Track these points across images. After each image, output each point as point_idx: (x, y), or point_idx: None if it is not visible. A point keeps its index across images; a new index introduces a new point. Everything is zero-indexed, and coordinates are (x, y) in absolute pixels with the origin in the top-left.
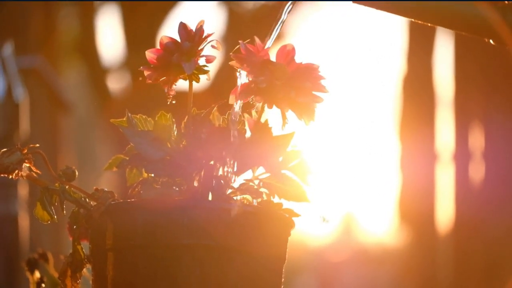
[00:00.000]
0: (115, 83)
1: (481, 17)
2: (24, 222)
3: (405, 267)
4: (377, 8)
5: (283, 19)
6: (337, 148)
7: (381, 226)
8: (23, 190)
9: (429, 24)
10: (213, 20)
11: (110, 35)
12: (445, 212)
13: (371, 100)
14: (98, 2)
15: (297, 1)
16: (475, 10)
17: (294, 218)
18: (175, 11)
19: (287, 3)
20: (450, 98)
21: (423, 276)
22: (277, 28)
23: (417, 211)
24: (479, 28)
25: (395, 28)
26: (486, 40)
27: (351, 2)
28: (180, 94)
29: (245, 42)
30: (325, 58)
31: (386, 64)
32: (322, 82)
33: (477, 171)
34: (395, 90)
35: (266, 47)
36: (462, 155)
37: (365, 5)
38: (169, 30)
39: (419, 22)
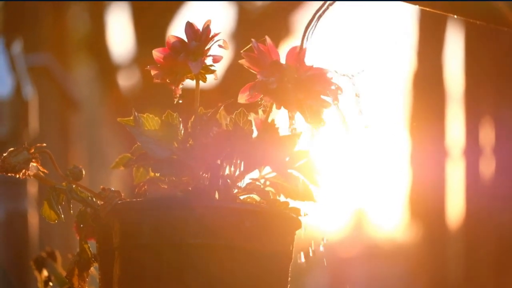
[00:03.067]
0: (125, 80)
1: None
2: (33, 219)
3: (416, 262)
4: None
5: (318, 19)
6: (348, 145)
7: (392, 222)
8: (32, 188)
9: (455, 16)
10: (223, 18)
11: (120, 32)
12: (455, 208)
13: (381, 96)
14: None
15: (334, 1)
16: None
17: (301, 217)
18: (185, 8)
19: (323, 2)
20: (461, 94)
21: (433, 271)
22: (312, 29)
23: (427, 206)
24: (502, 18)
25: (405, 23)
26: None
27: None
28: (188, 92)
29: (256, 40)
30: (335, 54)
31: (396, 59)
32: (332, 87)
33: (487, 166)
34: (405, 86)
35: (302, 47)
36: (472, 151)
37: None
38: (179, 27)
39: (445, 14)
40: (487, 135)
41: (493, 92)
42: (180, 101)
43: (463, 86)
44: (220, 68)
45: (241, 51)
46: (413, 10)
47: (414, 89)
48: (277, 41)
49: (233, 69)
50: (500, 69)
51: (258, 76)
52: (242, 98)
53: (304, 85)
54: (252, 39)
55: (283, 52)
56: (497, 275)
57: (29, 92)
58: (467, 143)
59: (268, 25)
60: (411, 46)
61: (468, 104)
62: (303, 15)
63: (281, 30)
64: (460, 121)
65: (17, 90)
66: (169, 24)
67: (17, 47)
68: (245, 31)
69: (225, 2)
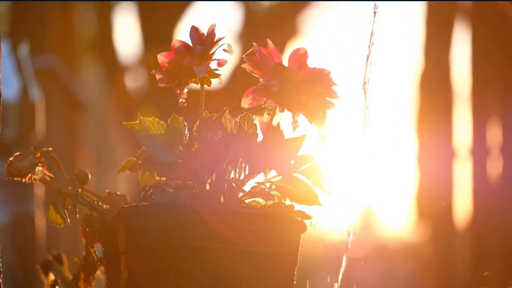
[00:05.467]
0: (132, 82)
1: None
2: (40, 221)
3: (424, 262)
4: None
5: (374, 21)
6: (355, 145)
7: (399, 222)
8: (39, 191)
9: None
10: (229, 19)
11: (126, 33)
12: (463, 207)
13: (389, 96)
14: (115, 0)
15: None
16: None
17: (306, 220)
18: (192, 9)
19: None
20: (468, 94)
21: (441, 271)
22: (373, 32)
23: (435, 206)
24: None
25: (412, 23)
26: None
27: None
28: (195, 95)
29: (265, 40)
30: (342, 54)
31: (404, 58)
32: (334, 87)
33: (494, 166)
34: (413, 85)
35: (369, 49)
36: (479, 150)
37: None
38: (186, 27)
39: None
40: (495, 134)
41: (500, 91)
42: (185, 105)
43: (471, 85)
44: (227, 69)
45: (243, 55)
46: (421, 9)
47: (421, 88)
48: (284, 42)
49: (240, 70)
50: (507, 68)
51: (260, 80)
52: (245, 102)
53: (306, 87)
54: (254, 43)
55: (288, 53)
56: (504, 275)
57: (36, 94)
58: (475, 143)
59: (275, 26)
60: (418, 45)
61: (476, 104)
62: (309, 15)
63: (288, 31)
64: (468, 120)
65: (24, 92)
66: (176, 25)
67: (24, 49)
68: (252, 32)
69: (232, 3)
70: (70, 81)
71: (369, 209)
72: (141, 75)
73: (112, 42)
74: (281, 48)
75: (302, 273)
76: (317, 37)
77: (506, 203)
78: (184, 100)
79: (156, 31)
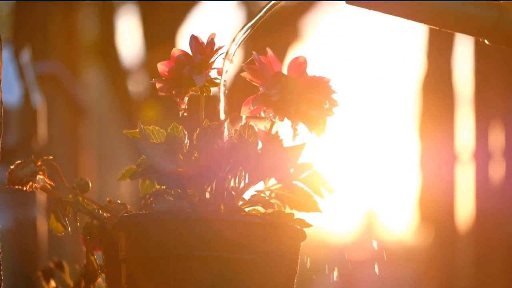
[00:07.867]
0: (135, 86)
1: (477, 16)
2: (42, 226)
3: (426, 265)
4: (370, 8)
5: (260, 16)
6: (358, 147)
7: (402, 225)
8: (41, 196)
9: (424, 24)
10: (232, 20)
11: (129, 37)
12: (465, 211)
13: (391, 99)
14: (117, 2)
15: (279, 1)
16: (471, 9)
17: (306, 228)
18: (194, 11)
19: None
20: (470, 97)
21: (444, 274)
22: (251, 26)
23: (437, 210)
24: (474, 27)
25: (414, 26)
26: (481, 40)
27: (344, 2)
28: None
29: (266, 43)
30: (344, 58)
31: (406, 62)
32: (334, 95)
33: (497, 170)
34: (415, 89)
35: (236, 43)
36: (482, 154)
37: (357, 5)
38: (188, 30)
39: (414, 21)
40: (497, 138)
41: (503, 94)
42: (185, 114)
43: (473, 88)
44: (229, 72)
45: (243, 64)
46: None
47: (423, 91)
48: (285, 45)
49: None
50: (510, 71)
51: (260, 89)
52: (245, 111)
53: (306, 96)
54: (253, 52)
55: (289, 59)
56: (507, 279)
57: (38, 100)
58: (477, 146)
59: (277, 29)
60: (420, 48)
61: (478, 107)
62: (312, 18)
63: (290, 34)
64: (470, 124)
65: (26, 98)
66: (178, 28)
67: (26, 55)
68: (254, 35)
69: (234, 7)
70: (72, 86)
71: (371, 212)
72: (144, 79)
73: (114, 47)
74: (283, 51)
75: (303, 276)
76: (319, 40)
77: (508, 206)
78: (184, 109)
79: (158, 34)
